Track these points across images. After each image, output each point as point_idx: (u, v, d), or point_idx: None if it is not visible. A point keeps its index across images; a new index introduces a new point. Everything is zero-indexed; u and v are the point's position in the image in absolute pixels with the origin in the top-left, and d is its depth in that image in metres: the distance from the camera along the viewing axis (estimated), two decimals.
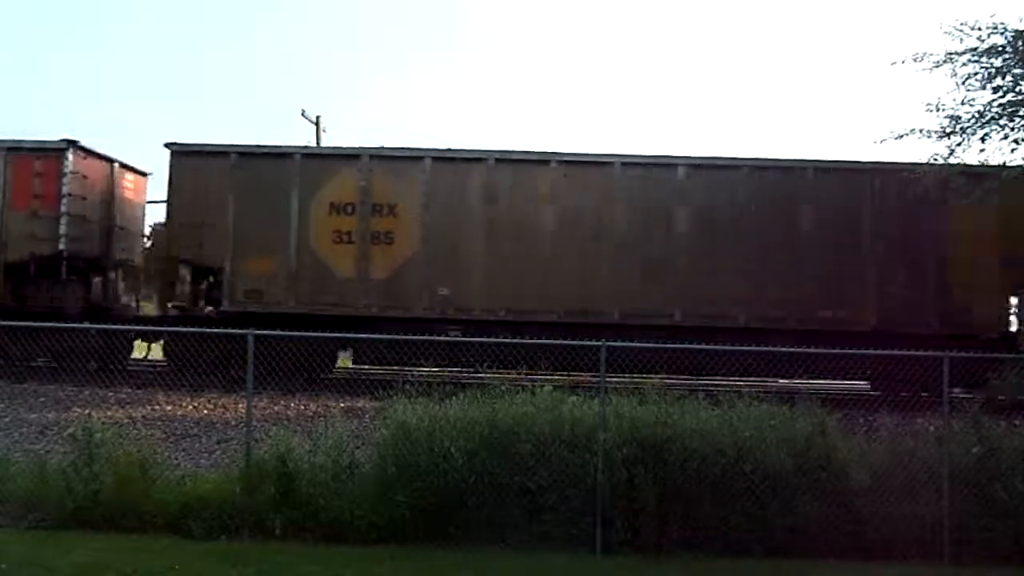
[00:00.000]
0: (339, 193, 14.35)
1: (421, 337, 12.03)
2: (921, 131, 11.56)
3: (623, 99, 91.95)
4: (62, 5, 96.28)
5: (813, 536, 7.63)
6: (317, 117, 28.67)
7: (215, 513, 7.83)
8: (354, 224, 14.23)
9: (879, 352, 9.86)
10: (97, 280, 15.96)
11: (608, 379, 8.21)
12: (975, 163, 11.90)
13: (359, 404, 11.65)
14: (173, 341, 13.70)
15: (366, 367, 14.40)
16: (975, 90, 11.24)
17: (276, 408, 11.50)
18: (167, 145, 14.61)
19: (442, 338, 12.04)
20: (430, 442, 7.89)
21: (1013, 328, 13.93)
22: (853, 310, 13.98)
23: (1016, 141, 11.24)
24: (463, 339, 11.22)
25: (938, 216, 13.93)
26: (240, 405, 10.93)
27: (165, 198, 14.91)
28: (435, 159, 14.45)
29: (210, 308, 14.93)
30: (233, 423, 10.95)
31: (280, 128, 76.00)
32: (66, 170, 14.61)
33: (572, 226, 14.19)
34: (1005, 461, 7.89)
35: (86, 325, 12.08)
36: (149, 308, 17.47)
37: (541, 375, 12.61)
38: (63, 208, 14.64)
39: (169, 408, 11.70)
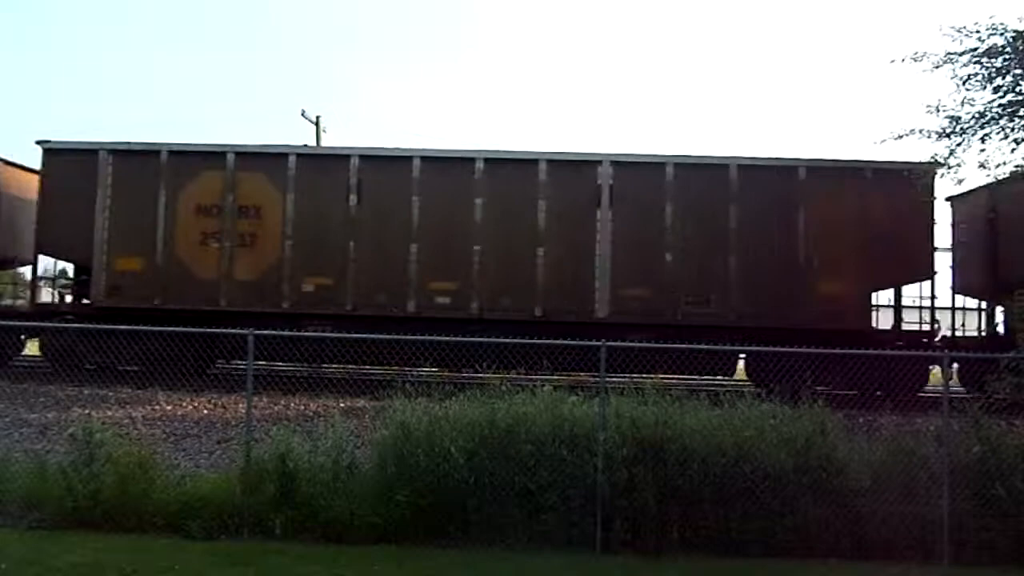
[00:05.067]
0: None
1: (419, 337, 12.04)
2: (921, 131, 11.58)
3: (623, 99, 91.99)
4: (62, 5, 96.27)
5: (813, 536, 7.63)
6: (317, 117, 28.70)
7: (215, 513, 7.84)
8: None
9: (879, 352, 9.85)
10: None
11: (608, 379, 8.20)
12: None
13: (359, 404, 11.66)
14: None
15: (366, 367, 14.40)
16: (975, 90, 11.26)
17: (276, 408, 11.51)
18: None
19: (439, 338, 12.00)
20: (430, 442, 7.89)
21: None
22: None
23: (1016, 141, 11.25)
24: (462, 339, 11.19)
25: None
26: (240, 405, 10.93)
27: None
28: None
29: None
30: (233, 423, 10.95)
31: (280, 128, 76.08)
32: None
33: None
34: (1005, 461, 7.89)
35: (90, 326, 12.06)
36: None
37: (541, 375, 12.62)
38: None
39: (169, 408, 11.69)
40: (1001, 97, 11.09)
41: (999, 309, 16.15)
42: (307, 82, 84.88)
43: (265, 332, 9.23)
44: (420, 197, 14.08)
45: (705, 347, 10.33)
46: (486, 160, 14.16)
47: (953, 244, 16.42)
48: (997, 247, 15.10)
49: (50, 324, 13.30)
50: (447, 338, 10.60)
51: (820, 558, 7.54)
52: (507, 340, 10.02)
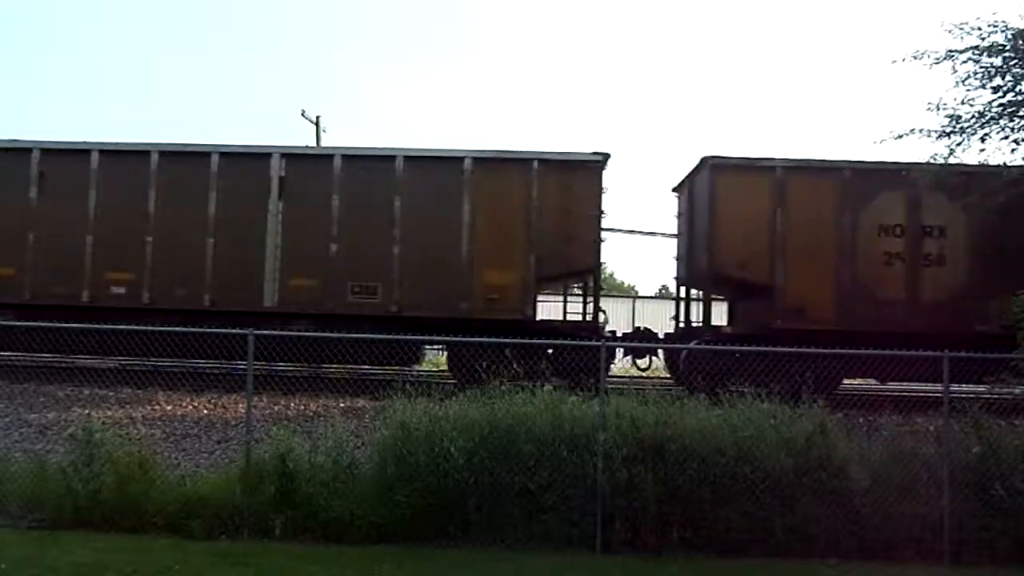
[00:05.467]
0: None
1: (425, 337, 12.09)
2: (921, 131, 11.58)
3: (625, 99, 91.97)
4: (61, 5, 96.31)
5: (813, 536, 7.63)
6: (317, 117, 28.73)
7: (215, 513, 7.84)
8: None
9: (879, 352, 9.83)
10: None
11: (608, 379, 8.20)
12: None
13: (359, 404, 11.66)
14: None
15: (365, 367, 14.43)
16: (975, 89, 11.26)
17: (276, 408, 11.50)
18: None
19: (447, 338, 12.01)
20: (430, 442, 7.89)
21: None
22: None
23: (1016, 141, 11.25)
24: (464, 340, 11.20)
25: None
26: (240, 405, 10.94)
27: None
28: None
29: None
30: (233, 423, 10.95)
31: (280, 128, 76.05)
32: None
33: None
34: (1005, 460, 7.89)
35: (86, 325, 12.03)
36: None
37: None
38: None
39: (169, 408, 11.69)
40: (1001, 97, 11.09)
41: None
42: (307, 82, 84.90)
43: (265, 332, 9.23)
44: (97, 190, 14.27)
45: (705, 347, 10.32)
46: (160, 153, 14.33)
47: (677, 235, 16.60)
48: (692, 238, 15.24)
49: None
50: (446, 338, 10.59)
51: (820, 558, 7.55)
52: (505, 340, 10.01)
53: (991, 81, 11.12)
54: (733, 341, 12.32)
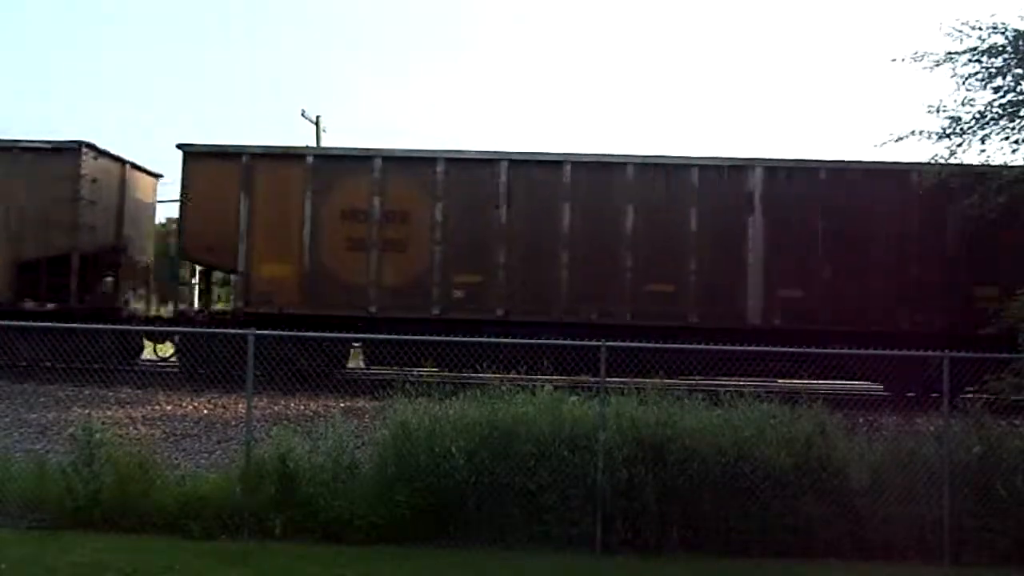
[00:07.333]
0: None
1: (421, 337, 12.06)
2: (921, 132, 11.58)
3: (625, 98, 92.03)
4: (61, 5, 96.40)
5: (813, 536, 7.63)
6: (317, 117, 28.73)
7: (215, 513, 7.83)
8: None
9: (879, 352, 9.84)
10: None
11: (608, 379, 8.19)
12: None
13: (359, 404, 11.66)
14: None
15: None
16: (975, 90, 11.26)
17: (276, 408, 11.50)
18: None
19: (443, 338, 12.01)
20: (430, 442, 7.89)
21: None
22: None
23: (1017, 142, 11.25)
24: (464, 340, 11.19)
25: None
26: (240, 405, 10.93)
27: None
28: None
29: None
30: (233, 423, 10.95)
31: (280, 128, 76.07)
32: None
33: None
34: (1006, 460, 7.89)
35: (95, 326, 12.02)
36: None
37: (541, 375, 12.60)
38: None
39: (169, 408, 11.69)
40: (1001, 97, 11.09)
41: None
42: (307, 82, 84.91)
43: (266, 332, 9.22)
44: None
45: (704, 347, 10.30)
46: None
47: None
48: None
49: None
50: (446, 338, 10.58)
51: (820, 558, 7.54)
52: (505, 340, 10.02)
53: (991, 82, 11.12)
54: None
